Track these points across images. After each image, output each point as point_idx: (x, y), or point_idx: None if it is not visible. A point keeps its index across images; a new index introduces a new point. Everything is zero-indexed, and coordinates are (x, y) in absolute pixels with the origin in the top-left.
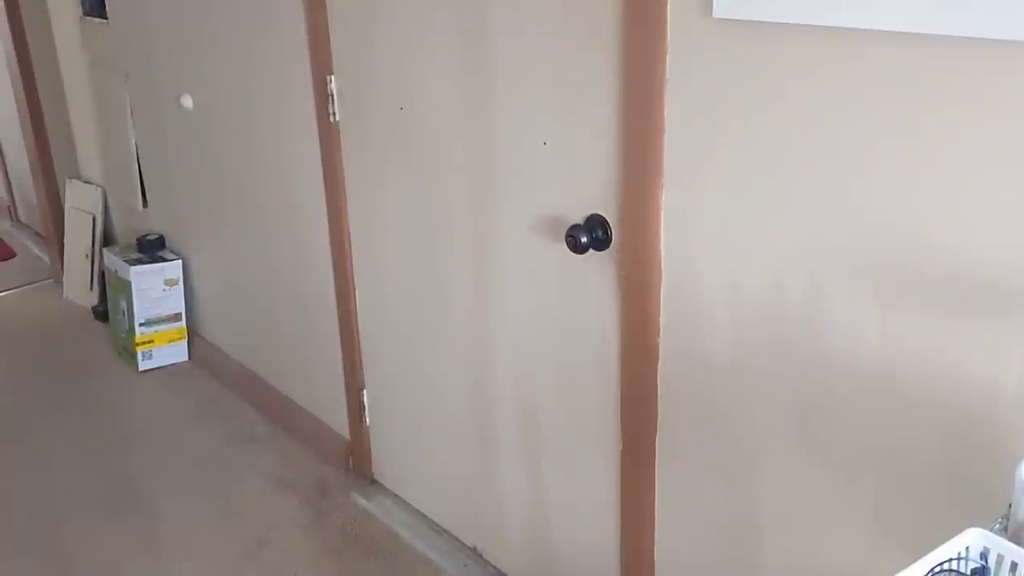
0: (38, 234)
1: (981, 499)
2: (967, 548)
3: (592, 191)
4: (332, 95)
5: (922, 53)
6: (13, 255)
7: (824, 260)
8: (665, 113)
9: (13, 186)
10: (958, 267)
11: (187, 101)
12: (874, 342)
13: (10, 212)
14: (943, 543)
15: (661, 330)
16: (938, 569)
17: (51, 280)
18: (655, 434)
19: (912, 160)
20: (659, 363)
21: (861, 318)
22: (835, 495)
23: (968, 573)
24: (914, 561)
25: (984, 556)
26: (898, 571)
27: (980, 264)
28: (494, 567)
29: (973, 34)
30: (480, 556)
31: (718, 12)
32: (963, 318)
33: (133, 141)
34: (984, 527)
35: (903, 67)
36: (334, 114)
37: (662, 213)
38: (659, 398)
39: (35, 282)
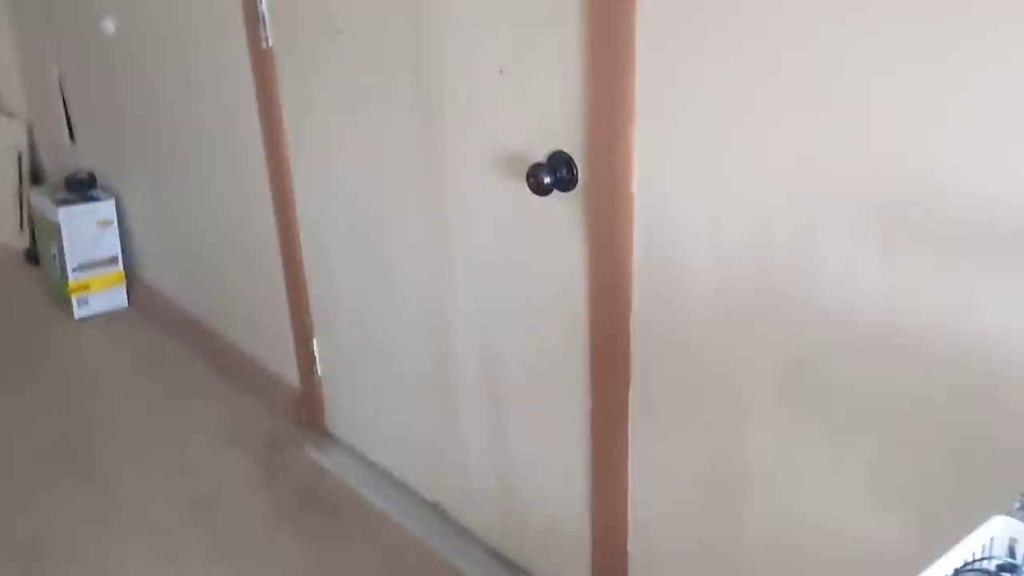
0: None
1: (996, 467)
2: (991, 539)
3: (555, 125)
4: (263, 17)
5: None
6: None
7: (818, 198)
8: (637, 34)
9: None
10: (974, 206)
11: (108, 25)
12: (875, 290)
13: None
14: (948, 512)
15: (634, 277)
16: (967, 569)
17: None
18: (628, 388)
19: (919, 81)
20: (631, 312)
21: (859, 263)
22: (829, 456)
23: (994, 570)
24: (914, 531)
25: (1012, 549)
26: (895, 540)
27: (1000, 204)
28: (457, 523)
29: None
30: (443, 512)
31: None
32: (980, 264)
33: (56, 69)
34: (1001, 498)
35: None
36: (267, 39)
37: (634, 149)
38: (632, 350)
39: None
